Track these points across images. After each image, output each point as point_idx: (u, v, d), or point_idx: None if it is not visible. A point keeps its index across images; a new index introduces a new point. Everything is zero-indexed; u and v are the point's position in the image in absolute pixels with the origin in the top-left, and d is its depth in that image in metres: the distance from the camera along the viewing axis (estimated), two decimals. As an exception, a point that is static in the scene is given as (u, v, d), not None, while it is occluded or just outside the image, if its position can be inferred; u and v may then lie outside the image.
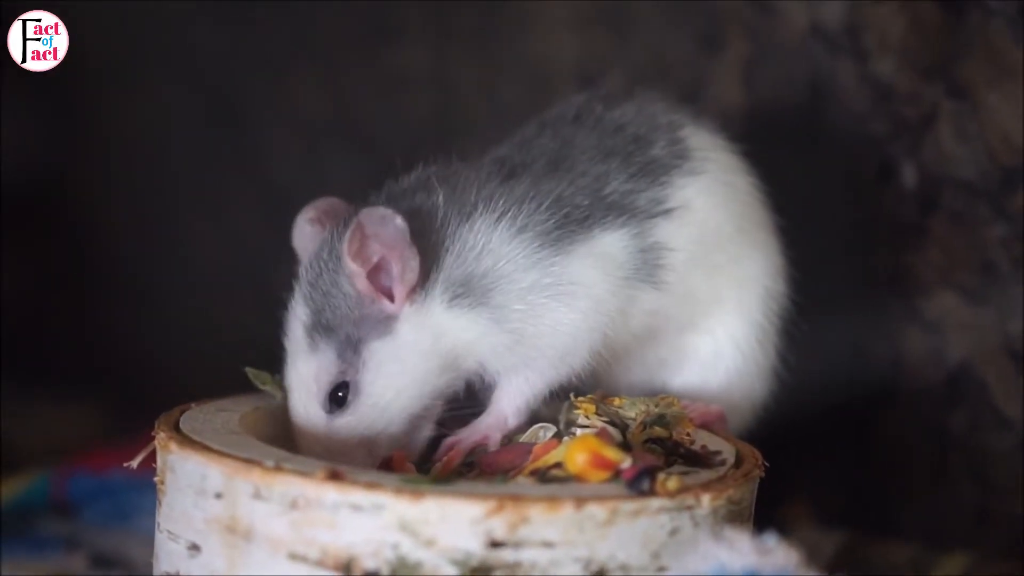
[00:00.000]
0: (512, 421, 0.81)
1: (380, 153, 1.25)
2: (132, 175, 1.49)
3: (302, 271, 0.80)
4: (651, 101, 0.88)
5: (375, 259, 0.77)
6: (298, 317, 0.79)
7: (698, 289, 0.86)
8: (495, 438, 0.80)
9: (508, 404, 0.81)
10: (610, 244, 0.82)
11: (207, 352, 1.18)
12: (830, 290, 0.96)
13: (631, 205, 0.83)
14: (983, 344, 0.99)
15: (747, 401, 0.90)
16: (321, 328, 0.78)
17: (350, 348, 0.77)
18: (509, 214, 0.79)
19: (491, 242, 0.79)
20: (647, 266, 0.83)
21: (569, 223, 0.80)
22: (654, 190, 0.84)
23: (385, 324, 0.78)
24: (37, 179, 1.47)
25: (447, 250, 0.79)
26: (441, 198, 0.80)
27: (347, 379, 0.77)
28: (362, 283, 0.77)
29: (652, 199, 0.84)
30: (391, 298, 0.78)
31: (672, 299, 0.84)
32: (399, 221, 0.76)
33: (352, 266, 0.76)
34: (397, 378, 0.78)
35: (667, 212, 0.84)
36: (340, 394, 0.77)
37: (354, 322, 0.77)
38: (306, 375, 0.78)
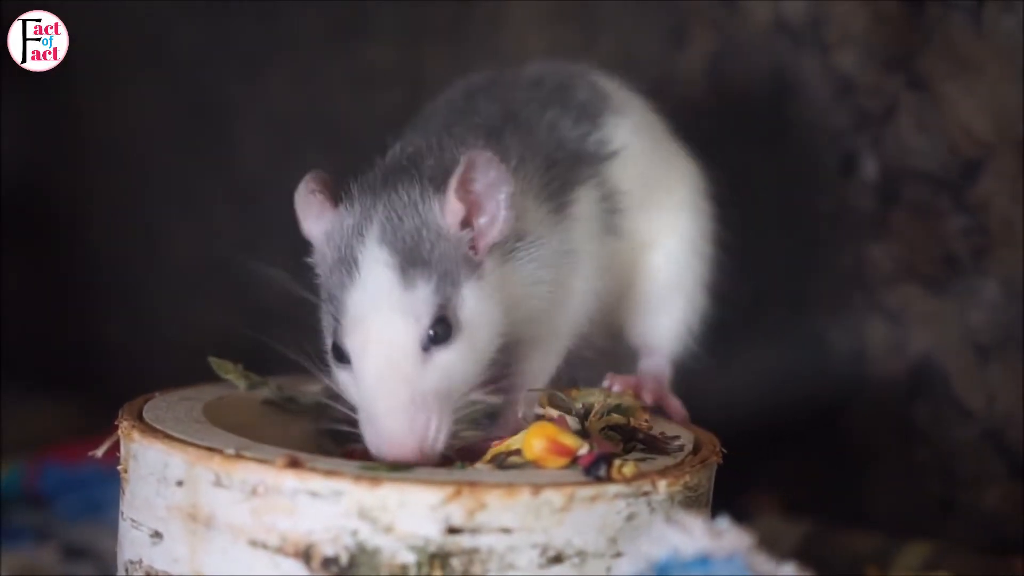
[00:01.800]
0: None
1: (352, 149, 1.25)
2: (109, 174, 1.50)
3: (362, 220, 0.77)
4: (548, 60, 0.90)
5: (473, 200, 0.77)
6: (380, 262, 0.75)
7: (645, 225, 0.87)
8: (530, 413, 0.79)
9: (535, 381, 0.81)
10: (587, 203, 0.83)
11: (184, 347, 1.18)
12: (793, 282, 0.97)
13: (586, 151, 0.84)
14: (945, 336, 1.00)
15: (688, 309, 0.90)
16: (417, 265, 0.75)
17: (449, 284, 0.75)
18: (520, 174, 0.80)
19: (523, 205, 0.79)
20: (609, 215, 0.84)
21: (560, 185, 0.82)
22: (597, 132, 0.85)
23: (474, 266, 0.77)
24: (15, 178, 1.47)
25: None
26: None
27: (446, 314, 0.75)
28: (456, 222, 0.76)
29: (598, 141, 0.85)
30: (474, 250, 0.77)
31: (626, 244, 0.86)
32: (504, 167, 0.76)
33: (456, 204, 0.76)
34: (490, 318, 0.77)
35: (613, 154, 0.85)
36: (436, 331, 0.75)
37: (451, 260, 0.76)
38: (404, 311, 0.74)
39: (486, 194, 0.76)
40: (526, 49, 1.19)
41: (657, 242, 0.89)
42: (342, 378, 0.76)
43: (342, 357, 0.76)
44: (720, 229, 0.91)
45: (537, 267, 0.79)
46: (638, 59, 1.12)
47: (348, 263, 0.76)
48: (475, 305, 0.76)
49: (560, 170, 0.82)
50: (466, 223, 0.77)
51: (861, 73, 1.01)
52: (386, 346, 0.74)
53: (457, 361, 0.75)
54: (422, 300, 0.74)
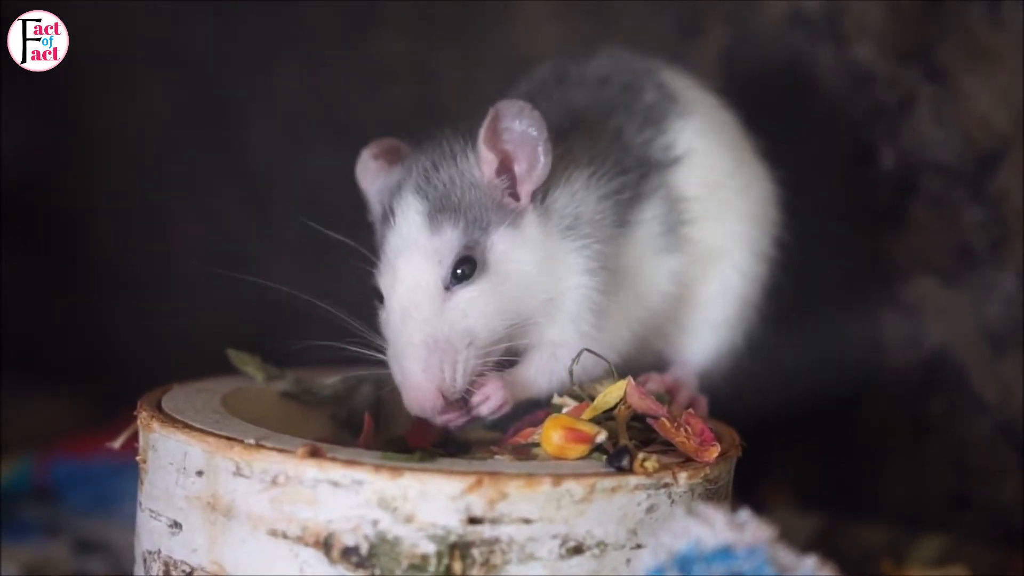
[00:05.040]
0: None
1: (362, 143, 1.25)
2: (116, 168, 1.49)
3: (404, 175, 0.80)
4: (617, 51, 0.89)
5: (507, 149, 0.78)
6: (411, 209, 0.78)
7: (712, 234, 0.86)
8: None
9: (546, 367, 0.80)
10: (651, 220, 0.83)
11: (194, 342, 1.18)
12: (809, 274, 0.96)
13: (651, 158, 0.84)
14: (960, 328, 1.00)
15: (740, 326, 0.89)
16: (445, 211, 0.77)
17: (478, 228, 0.77)
18: (596, 175, 0.81)
19: (588, 199, 0.80)
20: (673, 227, 0.84)
21: (630, 199, 0.82)
22: (661, 138, 0.85)
23: (512, 216, 0.78)
24: (22, 172, 1.47)
25: (564, 182, 0.80)
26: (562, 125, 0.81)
27: (473, 255, 0.77)
28: (491, 171, 0.78)
29: (663, 147, 0.85)
30: (515, 197, 0.78)
31: (694, 253, 0.85)
32: (537, 114, 0.77)
33: (487, 154, 0.78)
34: (522, 268, 0.78)
35: (677, 160, 0.85)
36: (461, 271, 0.77)
37: (482, 206, 0.78)
38: (427, 253, 0.77)
39: (519, 142, 0.78)
40: (538, 43, 1.19)
41: (724, 252, 0.87)
42: (381, 317, 0.79)
43: (380, 297, 0.79)
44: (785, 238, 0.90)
45: (594, 265, 0.79)
46: (651, 51, 1.11)
47: (388, 213, 0.79)
48: (506, 249, 0.77)
49: (631, 179, 0.82)
50: (505, 172, 0.78)
51: (878, 65, 1.00)
52: (410, 285, 0.77)
53: (479, 299, 0.77)
54: (447, 242, 0.77)
